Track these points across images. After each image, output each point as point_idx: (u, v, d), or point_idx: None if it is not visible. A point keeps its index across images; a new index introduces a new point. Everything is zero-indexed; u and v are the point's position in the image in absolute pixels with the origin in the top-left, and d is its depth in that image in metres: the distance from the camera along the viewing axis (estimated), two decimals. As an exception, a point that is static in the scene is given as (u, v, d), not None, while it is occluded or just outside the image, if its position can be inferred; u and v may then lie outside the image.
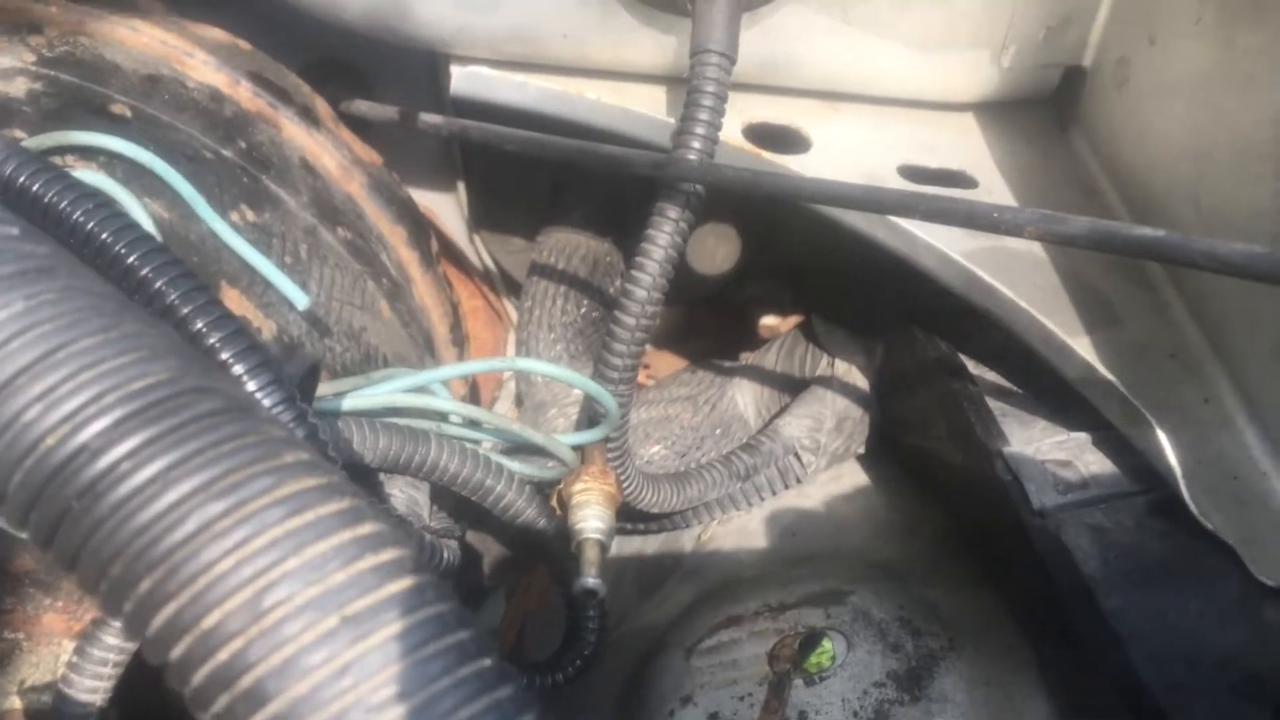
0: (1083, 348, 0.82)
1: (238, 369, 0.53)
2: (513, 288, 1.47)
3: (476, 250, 1.43)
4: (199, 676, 0.38)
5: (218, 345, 0.53)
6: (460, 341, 1.10)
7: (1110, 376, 0.80)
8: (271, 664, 0.37)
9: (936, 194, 0.65)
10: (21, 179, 0.54)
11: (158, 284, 0.53)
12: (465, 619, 0.41)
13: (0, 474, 0.39)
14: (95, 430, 0.39)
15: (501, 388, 1.37)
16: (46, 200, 0.54)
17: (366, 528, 0.41)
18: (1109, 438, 0.84)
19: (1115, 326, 0.86)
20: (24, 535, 0.41)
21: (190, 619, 0.38)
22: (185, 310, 0.53)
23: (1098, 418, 0.84)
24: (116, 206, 0.55)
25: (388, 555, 0.41)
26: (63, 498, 0.39)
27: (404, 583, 0.40)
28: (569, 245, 1.26)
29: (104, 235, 0.53)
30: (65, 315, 0.41)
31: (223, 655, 0.38)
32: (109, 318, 0.42)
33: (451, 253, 1.38)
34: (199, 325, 0.53)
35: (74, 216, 0.54)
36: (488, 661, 0.40)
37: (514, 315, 1.50)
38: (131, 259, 0.53)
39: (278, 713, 0.37)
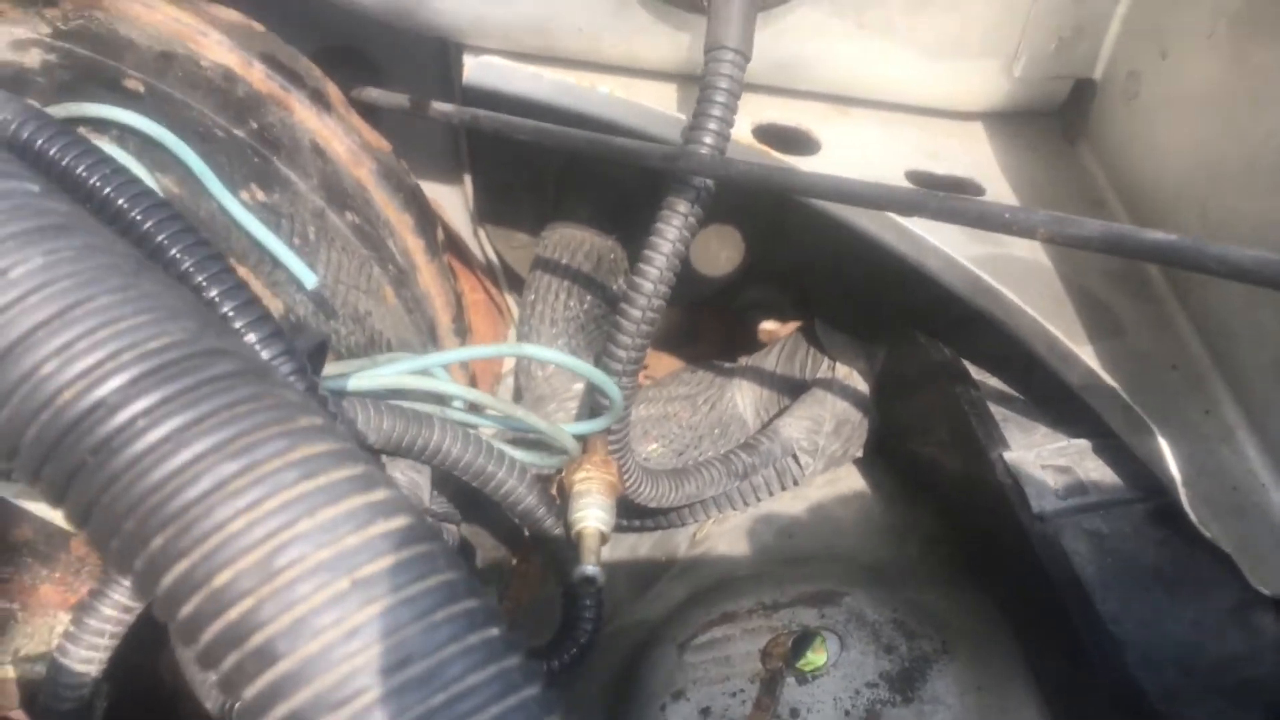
0: (1086, 355, 0.83)
1: (250, 337, 0.53)
2: (515, 283, 1.47)
3: (480, 244, 1.43)
4: (209, 634, 0.38)
5: (231, 314, 0.53)
6: (463, 332, 1.10)
7: (1113, 383, 0.80)
8: (282, 623, 0.37)
9: (948, 194, 0.65)
10: (39, 142, 0.54)
11: (172, 251, 0.53)
12: (475, 588, 0.42)
13: (15, 427, 0.39)
14: (112, 387, 0.39)
15: (500, 383, 1.37)
16: (64, 164, 0.54)
17: (379, 494, 0.41)
18: (1109, 445, 0.84)
19: (1118, 337, 0.86)
20: (37, 490, 0.40)
21: (202, 576, 0.38)
22: (199, 278, 0.53)
23: (1098, 425, 0.84)
24: (131, 173, 0.55)
25: (399, 521, 0.41)
26: (77, 452, 0.39)
27: (415, 549, 0.40)
28: (573, 241, 1.27)
29: (120, 200, 0.53)
30: (84, 272, 0.41)
31: (233, 614, 0.38)
32: (127, 276, 0.42)
33: (455, 246, 1.38)
34: (213, 293, 0.53)
35: (90, 181, 0.54)
36: (495, 631, 0.41)
37: (515, 310, 1.49)
38: (147, 225, 0.53)
39: (287, 672, 0.37)
